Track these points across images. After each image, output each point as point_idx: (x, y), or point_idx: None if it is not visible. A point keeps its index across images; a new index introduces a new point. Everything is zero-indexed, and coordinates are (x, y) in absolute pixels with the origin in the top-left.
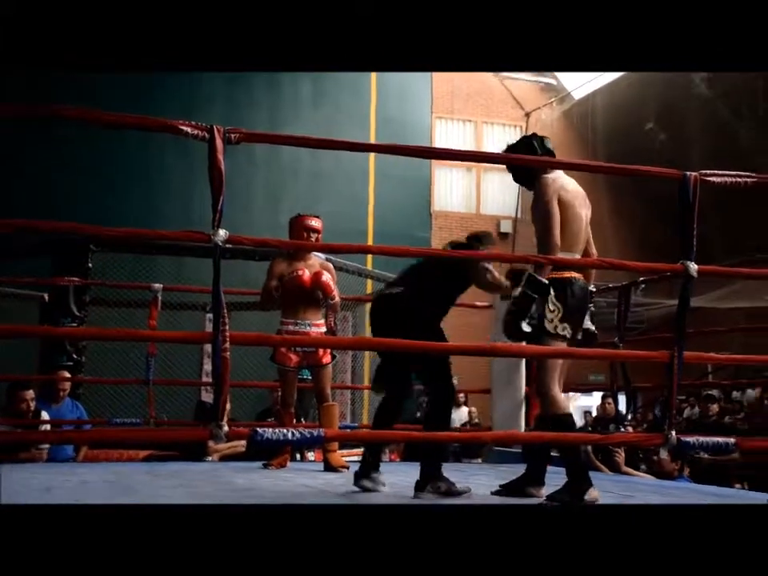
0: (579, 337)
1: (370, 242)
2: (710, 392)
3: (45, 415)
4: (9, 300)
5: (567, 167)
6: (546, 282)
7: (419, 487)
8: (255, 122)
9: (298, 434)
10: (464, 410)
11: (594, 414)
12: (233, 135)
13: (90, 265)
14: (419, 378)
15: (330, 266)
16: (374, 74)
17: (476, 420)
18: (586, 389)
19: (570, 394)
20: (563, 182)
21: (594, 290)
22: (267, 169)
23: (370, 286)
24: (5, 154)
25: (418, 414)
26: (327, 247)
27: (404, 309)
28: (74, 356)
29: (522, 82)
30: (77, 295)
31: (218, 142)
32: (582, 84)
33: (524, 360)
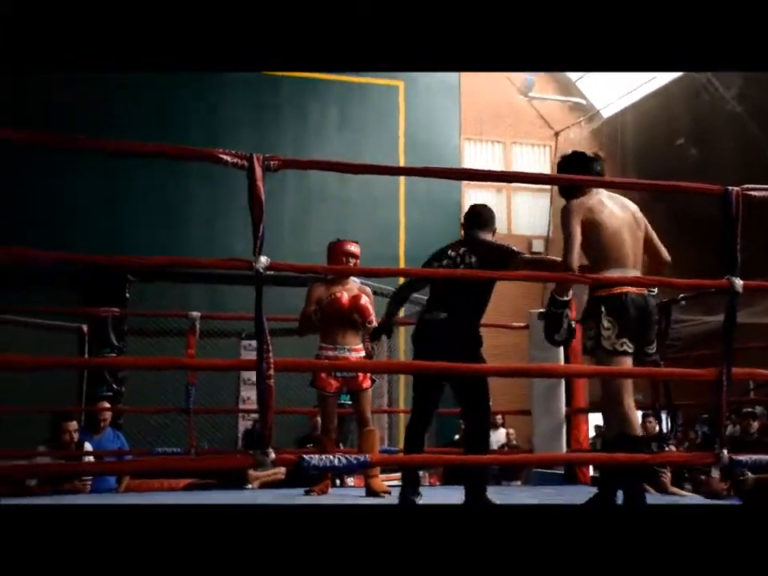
0: (652, 350)
1: (402, 267)
2: (749, 409)
3: (88, 446)
4: (48, 331)
5: (608, 185)
6: (566, 298)
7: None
8: (281, 147)
9: (344, 460)
10: (501, 431)
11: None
12: (272, 163)
13: (127, 295)
14: (460, 400)
15: (368, 290)
16: (401, 98)
17: (514, 442)
18: None
19: None
20: (594, 203)
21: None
22: (295, 194)
23: (402, 310)
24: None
25: (456, 437)
26: (367, 271)
27: (454, 333)
28: (114, 386)
29: (550, 102)
30: (115, 325)
31: (258, 171)
32: (610, 102)
33: (564, 380)
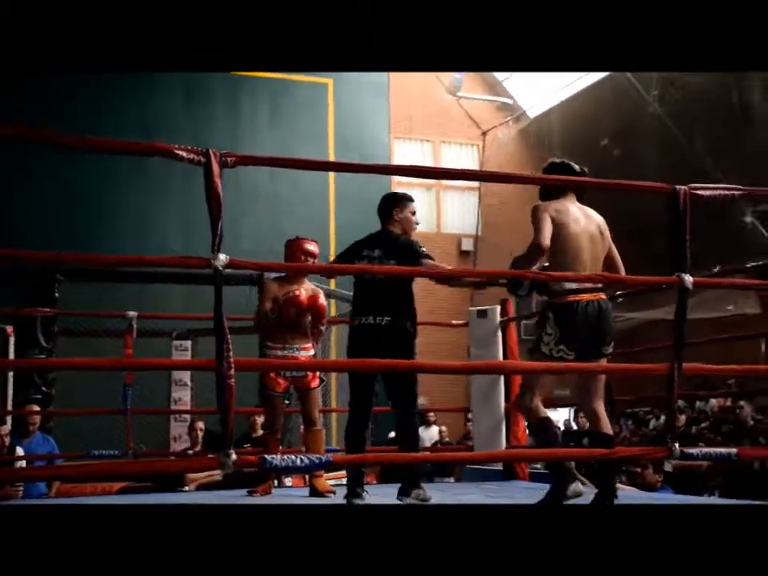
0: (608, 350)
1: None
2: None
3: (20, 450)
4: None
5: (559, 183)
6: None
7: (403, 492)
8: (214, 143)
9: (306, 460)
10: (434, 428)
11: (562, 428)
12: (229, 159)
13: (56, 295)
14: (390, 396)
15: (321, 292)
16: (330, 95)
17: (446, 439)
18: (553, 404)
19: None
20: (561, 207)
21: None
22: (227, 193)
23: (333, 307)
24: None
25: (391, 434)
26: (329, 269)
27: (395, 336)
28: (44, 389)
29: (479, 102)
30: (44, 326)
31: (215, 167)
32: (537, 102)
33: (502, 377)
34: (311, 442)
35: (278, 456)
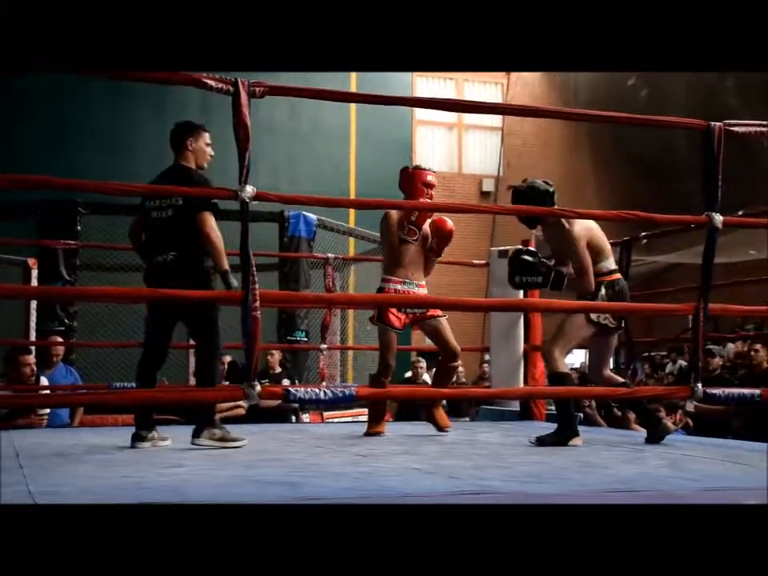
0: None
1: None
2: (709, 346)
3: (44, 380)
4: None
5: (593, 119)
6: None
7: (195, 434)
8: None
9: (329, 393)
10: None
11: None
12: (257, 89)
13: (78, 228)
14: (193, 335)
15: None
16: None
17: (462, 379)
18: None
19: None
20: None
21: None
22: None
23: (352, 245)
24: None
25: (407, 375)
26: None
27: (184, 271)
28: (66, 321)
29: None
30: (67, 259)
31: (243, 96)
32: None
33: (522, 317)
34: (446, 376)
35: (302, 389)
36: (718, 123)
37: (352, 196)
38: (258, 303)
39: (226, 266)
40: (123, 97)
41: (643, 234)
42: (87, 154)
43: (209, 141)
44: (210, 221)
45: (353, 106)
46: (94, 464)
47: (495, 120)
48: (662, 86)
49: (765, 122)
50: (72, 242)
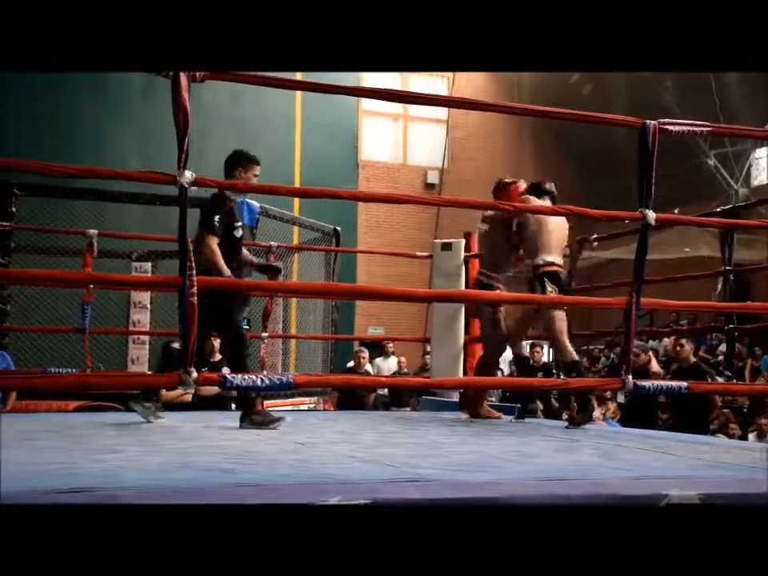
0: None
1: None
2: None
3: None
4: None
5: (536, 114)
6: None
7: (241, 419)
8: None
9: (266, 380)
10: (393, 359)
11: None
12: (197, 73)
13: (13, 209)
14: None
15: None
16: None
17: (404, 370)
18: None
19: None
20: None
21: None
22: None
23: (296, 234)
24: None
25: (350, 364)
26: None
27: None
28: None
29: None
30: (0, 241)
31: (183, 80)
32: None
33: (463, 309)
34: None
35: (239, 376)
36: (653, 121)
37: (297, 184)
38: (195, 289)
39: (227, 273)
40: (64, 79)
41: (595, 236)
42: (27, 135)
43: (257, 173)
44: (206, 238)
45: (298, 94)
46: (24, 450)
47: (440, 112)
48: (605, 83)
49: (699, 122)
50: (6, 223)
